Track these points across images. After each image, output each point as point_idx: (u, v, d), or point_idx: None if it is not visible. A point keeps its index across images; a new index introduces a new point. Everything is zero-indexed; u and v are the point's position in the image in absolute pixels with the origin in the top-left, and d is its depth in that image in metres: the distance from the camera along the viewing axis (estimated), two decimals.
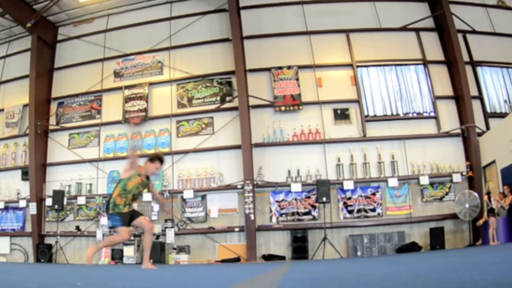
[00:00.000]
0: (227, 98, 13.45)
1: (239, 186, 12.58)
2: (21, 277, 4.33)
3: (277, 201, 12.49)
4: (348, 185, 12.29)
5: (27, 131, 14.23)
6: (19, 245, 14.01)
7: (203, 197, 12.92)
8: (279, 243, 12.32)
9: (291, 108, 12.97)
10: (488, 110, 13.02)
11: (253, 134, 12.82)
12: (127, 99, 14.04)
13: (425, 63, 13.18)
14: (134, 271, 5.72)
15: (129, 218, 6.51)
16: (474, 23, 13.47)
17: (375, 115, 12.92)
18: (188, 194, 12.88)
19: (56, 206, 12.86)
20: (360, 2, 13.93)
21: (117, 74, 14.51)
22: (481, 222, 11.06)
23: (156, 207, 12.88)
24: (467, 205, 11.35)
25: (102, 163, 13.87)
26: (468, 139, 12.37)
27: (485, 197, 11.05)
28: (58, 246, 12.86)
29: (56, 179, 14.07)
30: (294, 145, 12.82)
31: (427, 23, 13.58)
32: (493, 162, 11.67)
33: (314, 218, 12.27)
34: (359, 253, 11.59)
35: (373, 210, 12.19)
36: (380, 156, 12.48)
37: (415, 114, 12.87)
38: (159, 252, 11.90)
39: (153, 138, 13.65)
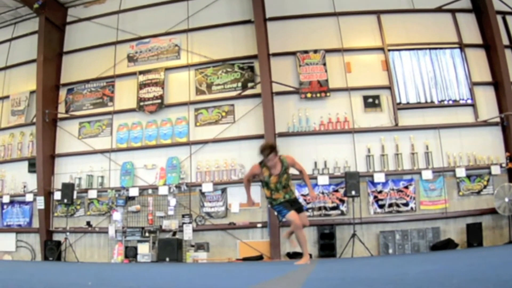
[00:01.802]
0: (249, 84, 13.34)
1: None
2: (28, 277, 4.39)
3: (302, 195, 12.34)
4: (379, 177, 12.15)
5: (34, 120, 14.21)
6: (26, 242, 13.98)
7: (223, 190, 12.83)
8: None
9: (318, 95, 12.82)
10: None
11: (277, 123, 12.68)
12: (141, 85, 13.95)
13: (462, 46, 12.98)
14: (149, 270, 5.73)
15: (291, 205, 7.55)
16: None
17: (408, 103, 12.74)
18: (207, 188, 12.79)
19: (65, 200, 12.79)
20: None
21: (130, 59, 14.41)
22: None
23: (172, 201, 12.82)
24: (506, 199, 11.21)
25: (114, 154, 13.81)
26: (508, 128, 12.17)
27: None
28: (67, 243, 12.86)
29: (66, 171, 14.05)
30: (321, 135, 12.68)
31: (464, 3, 13.36)
32: None
33: (342, 213, 12.17)
34: (390, 251, 11.49)
35: (406, 204, 12.05)
36: (413, 146, 12.33)
37: (450, 102, 12.68)
38: (176, 250, 11.93)
39: (169, 127, 13.58)
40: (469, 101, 12.64)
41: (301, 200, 12.27)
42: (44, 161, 13.78)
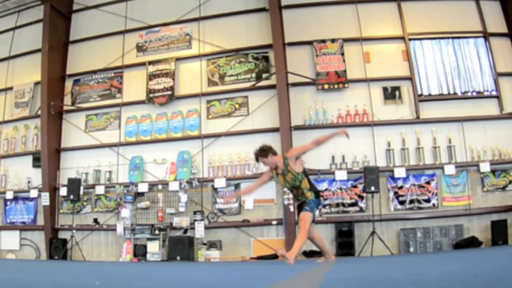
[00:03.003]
0: (264, 75, 13.23)
1: None
2: (32, 276, 4.32)
3: (319, 191, 12.26)
4: (400, 172, 12.02)
5: (39, 112, 14.13)
6: (30, 240, 13.96)
7: (237, 186, 12.73)
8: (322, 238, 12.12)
9: (336, 86, 12.72)
10: None
11: (293, 115, 12.63)
12: (151, 76, 13.89)
13: (486, 35, 12.83)
14: (159, 270, 5.69)
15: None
16: None
17: (429, 94, 12.62)
18: (219, 183, 12.69)
19: (71, 196, 12.70)
20: None
21: (140, 48, 14.34)
22: None
23: (183, 197, 12.73)
24: None
25: (123, 148, 13.76)
26: None
27: None
28: (73, 241, 12.78)
29: (72, 166, 14.01)
30: (339, 128, 12.40)
31: None
32: None
33: (361, 210, 12.09)
34: (411, 249, 11.40)
35: (428, 200, 11.94)
36: (435, 140, 12.21)
37: (474, 93, 12.54)
38: (187, 248, 11.86)
39: (180, 120, 13.50)
40: (494, 93, 12.50)
41: None
42: (49, 156, 13.72)
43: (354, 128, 12.44)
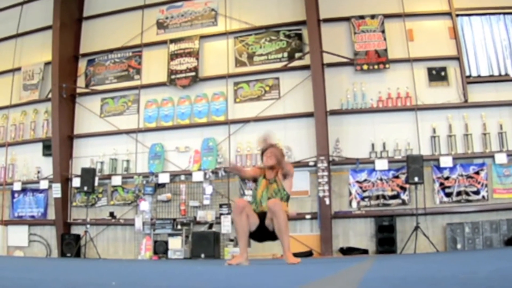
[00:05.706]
0: (297, 55, 13.07)
1: (311, 163, 12.23)
2: (42, 275, 4.31)
3: (358, 182, 12.15)
4: (446, 161, 11.84)
5: (50, 95, 14.10)
6: (40, 235, 13.96)
7: None
8: (360, 234, 12.03)
9: (376, 66, 12.53)
10: None
11: (329, 98, 12.44)
12: (173, 56, 13.81)
13: None
14: (182, 268, 5.71)
15: None
16: None
17: (479, 76, 12.38)
18: None
19: (85, 188, 12.65)
20: None
21: (160, 25, 14.26)
22: None
23: (208, 189, 12.64)
24: None
25: (142, 135, 13.72)
26: None
27: None
28: (87, 237, 12.74)
29: (86, 154, 14.00)
30: (379, 113, 12.42)
31: None
32: None
33: (403, 203, 11.91)
34: (459, 246, 11.21)
35: (477, 192, 11.73)
36: (485, 126, 11.97)
37: None
38: (212, 245, 11.78)
39: (205, 103, 13.42)
40: None
41: (356, 187, 12.02)
42: (61, 143, 13.72)
43: (395, 113, 12.44)
